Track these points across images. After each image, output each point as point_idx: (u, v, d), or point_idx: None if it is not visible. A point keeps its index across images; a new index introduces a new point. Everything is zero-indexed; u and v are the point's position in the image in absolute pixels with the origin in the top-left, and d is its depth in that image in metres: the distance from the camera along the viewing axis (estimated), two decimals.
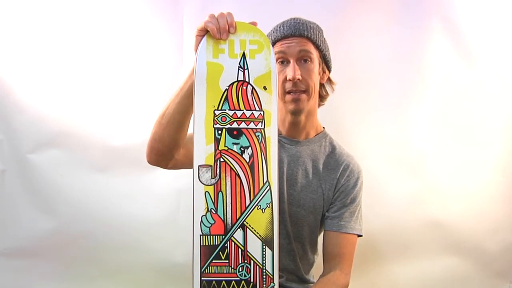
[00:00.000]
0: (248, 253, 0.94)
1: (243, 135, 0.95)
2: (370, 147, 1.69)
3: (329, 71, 1.23)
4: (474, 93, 1.73)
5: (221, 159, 0.94)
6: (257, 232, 0.94)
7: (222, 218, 0.94)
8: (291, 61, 1.12)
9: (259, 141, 0.95)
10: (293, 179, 1.20)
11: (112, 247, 1.70)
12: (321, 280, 1.15)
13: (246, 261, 0.94)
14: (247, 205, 0.94)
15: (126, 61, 1.67)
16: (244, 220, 0.94)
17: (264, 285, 0.94)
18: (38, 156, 1.67)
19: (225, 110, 0.95)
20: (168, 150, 1.09)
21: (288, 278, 1.25)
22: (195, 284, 0.93)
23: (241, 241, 0.94)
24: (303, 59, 1.13)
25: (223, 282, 0.94)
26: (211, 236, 0.93)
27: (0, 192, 1.69)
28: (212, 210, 0.94)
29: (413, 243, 1.75)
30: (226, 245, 0.94)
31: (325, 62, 1.20)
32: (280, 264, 1.00)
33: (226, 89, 0.95)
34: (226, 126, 0.95)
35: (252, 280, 0.94)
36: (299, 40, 1.13)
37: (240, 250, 0.94)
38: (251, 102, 0.95)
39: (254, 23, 0.97)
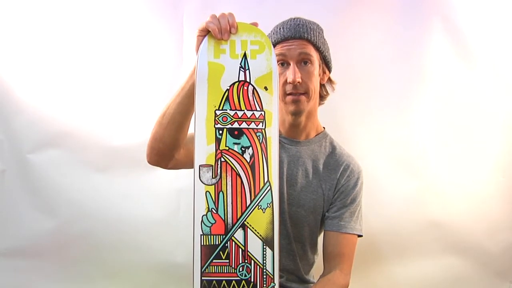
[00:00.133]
0: (248, 253, 0.94)
1: (244, 135, 0.95)
2: (370, 147, 1.69)
3: (330, 71, 1.23)
4: (474, 93, 1.73)
5: (222, 159, 0.94)
6: (258, 232, 0.94)
7: (223, 218, 0.94)
8: (291, 63, 1.12)
9: (260, 141, 0.95)
10: (293, 179, 1.20)
11: (112, 247, 1.70)
12: (321, 280, 1.15)
13: (246, 261, 0.94)
14: (247, 205, 0.94)
15: (126, 61, 1.68)
16: (245, 220, 0.94)
17: (265, 285, 0.94)
18: (38, 156, 1.68)
19: (226, 110, 0.95)
20: (168, 150, 1.09)
21: (288, 278, 1.25)
22: (195, 283, 0.93)
23: (242, 241, 0.94)
24: (303, 61, 1.13)
25: (224, 282, 0.93)
26: (212, 236, 0.93)
27: (0, 192, 1.69)
28: (212, 209, 0.94)
29: (413, 243, 1.75)
30: (226, 245, 0.94)
31: (325, 63, 1.20)
32: (280, 264, 1.00)
33: (227, 89, 0.95)
34: (227, 126, 0.95)
35: (252, 280, 0.94)
36: (299, 42, 1.13)
37: (240, 250, 0.94)
38: (252, 102, 0.95)
39: (255, 24, 0.97)
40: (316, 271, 1.30)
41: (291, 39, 1.13)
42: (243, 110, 0.95)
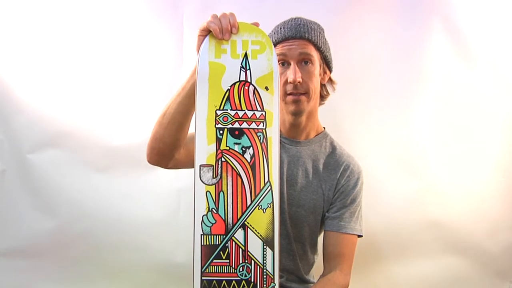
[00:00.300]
0: (248, 253, 0.94)
1: (245, 135, 0.95)
2: (370, 147, 1.69)
3: (330, 71, 1.23)
4: (474, 93, 1.73)
5: (223, 159, 0.94)
6: (258, 232, 0.94)
7: (223, 218, 0.94)
8: (292, 63, 1.12)
9: (261, 141, 0.95)
10: (293, 179, 1.20)
11: (112, 247, 1.70)
12: (321, 280, 1.15)
13: (246, 261, 0.94)
14: (248, 205, 0.94)
15: (126, 61, 1.67)
16: (245, 220, 0.94)
17: (265, 285, 0.94)
18: (38, 156, 1.68)
19: (227, 110, 0.95)
20: (168, 150, 1.09)
21: (288, 278, 1.25)
22: (195, 283, 0.93)
23: (242, 241, 0.94)
24: (303, 61, 1.13)
25: (224, 282, 0.94)
26: (212, 236, 0.93)
27: (0, 192, 1.69)
28: (213, 209, 0.94)
29: (413, 243, 1.75)
30: (227, 245, 0.94)
31: (326, 63, 1.20)
32: (280, 264, 1.00)
33: (228, 89, 0.95)
34: (228, 126, 0.95)
35: (252, 280, 0.94)
36: (300, 42, 1.13)
37: (240, 250, 0.94)
38: (252, 102, 0.95)
39: (256, 24, 0.97)
40: (316, 271, 1.30)
41: (291, 39, 1.13)
42: (244, 110, 0.95)
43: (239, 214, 0.94)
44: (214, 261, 0.94)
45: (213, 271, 0.93)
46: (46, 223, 1.68)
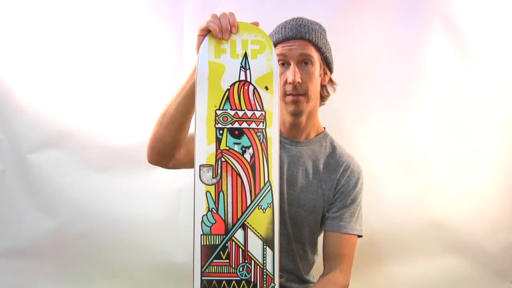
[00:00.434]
0: (248, 253, 0.94)
1: (245, 135, 0.95)
2: (370, 147, 1.69)
3: (331, 72, 1.22)
4: (474, 93, 1.73)
5: (222, 159, 0.94)
6: (258, 232, 0.94)
7: (223, 218, 0.94)
8: (292, 64, 1.12)
9: (261, 141, 0.95)
10: (293, 179, 1.20)
11: (112, 247, 1.70)
12: (321, 280, 1.15)
13: (246, 261, 0.94)
14: (248, 205, 0.94)
15: (126, 61, 1.67)
16: (245, 220, 0.94)
17: (265, 285, 0.94)
18: (38, 156, 1.67)
19: (227, 110, 0.95)
20: (169, 150, 1.09)
21: (288, 278, 1.25)
22: (195, 283, 0.93)
23: (242, 241, 0.94)
24: (303, 61, 1.13)
25: (224, 282, 0.94)
26: (212, 236, 0.93)
27: (0, 192, 1.69)
28: (213, 209, 0.94)
29: (413, 243, 1.75)
30: (226, 244, 0.94)
31: (327, 64, 1.20)
32: (280, 264, 1.00)
33: (228, 89, 0.95)
34: (228, 126, 0.95)
35: (252, 280, 0.94)
36: (300, 43, 1.13)
37: (240, 250, 0.94)
38: (252, 102, 0.95)
39: (256, 23, 0.97)
40: (316, 271, 1.30)
41: (292, 39, 1.13)
42: (244, 110, 0.95)
43: (239, 214, 0.94)
44: (214, 261, 0.94)
45: (213, 271, 0.93)
46: (46, 223, 1.68)
